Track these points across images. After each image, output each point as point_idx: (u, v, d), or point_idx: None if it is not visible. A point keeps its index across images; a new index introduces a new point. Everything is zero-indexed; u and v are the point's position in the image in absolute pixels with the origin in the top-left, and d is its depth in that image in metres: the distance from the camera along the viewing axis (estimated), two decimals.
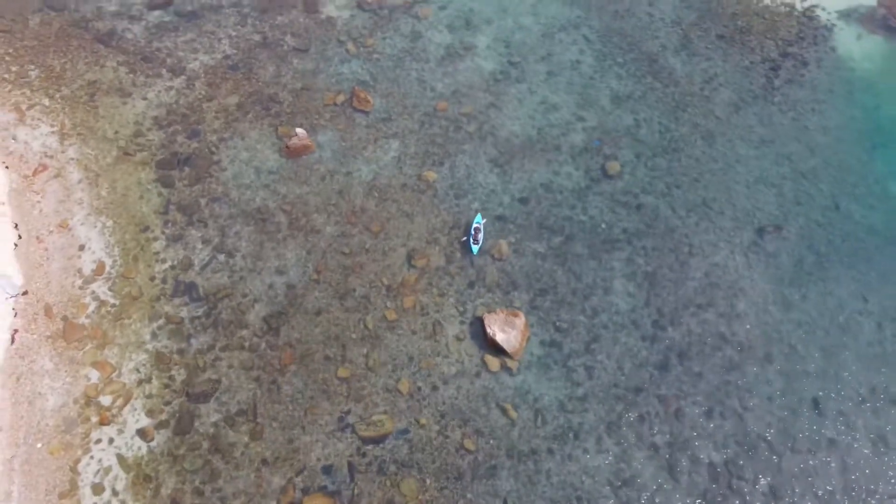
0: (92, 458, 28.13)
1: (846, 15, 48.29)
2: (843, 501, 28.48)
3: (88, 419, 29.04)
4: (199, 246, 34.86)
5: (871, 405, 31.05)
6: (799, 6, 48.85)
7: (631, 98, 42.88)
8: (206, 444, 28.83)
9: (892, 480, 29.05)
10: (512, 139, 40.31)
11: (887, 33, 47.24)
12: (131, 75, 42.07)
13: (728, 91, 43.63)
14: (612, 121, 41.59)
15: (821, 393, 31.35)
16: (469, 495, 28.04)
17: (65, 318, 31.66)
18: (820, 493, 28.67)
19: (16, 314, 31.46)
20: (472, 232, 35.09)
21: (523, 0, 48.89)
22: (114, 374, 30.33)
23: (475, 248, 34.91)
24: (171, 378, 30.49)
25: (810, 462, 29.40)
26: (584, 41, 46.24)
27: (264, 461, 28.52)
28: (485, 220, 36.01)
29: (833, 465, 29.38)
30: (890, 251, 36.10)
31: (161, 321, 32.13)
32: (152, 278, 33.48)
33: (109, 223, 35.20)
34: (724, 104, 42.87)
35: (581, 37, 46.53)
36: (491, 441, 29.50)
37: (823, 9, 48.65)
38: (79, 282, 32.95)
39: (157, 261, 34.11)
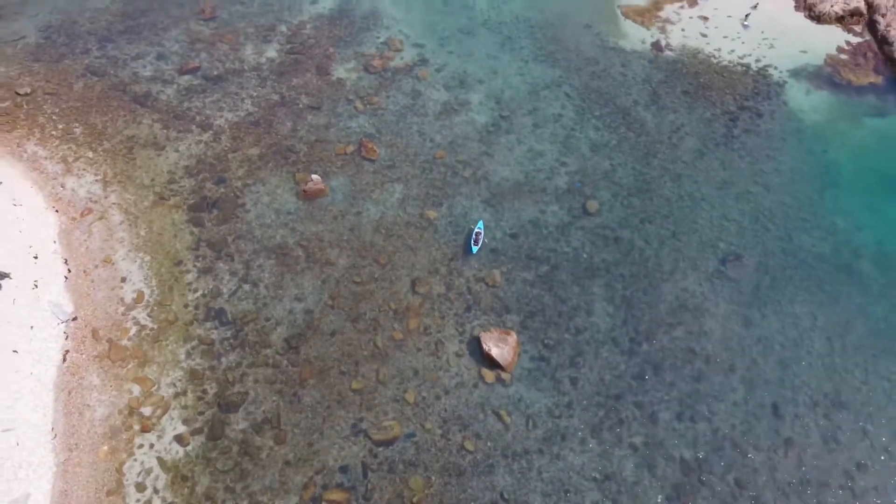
0: (135, 460, 31.72)
1: (796, 73, 54.49)
2: (799, 492, 32.09)
3: (132, 427, 32.77)
4: (227, 277, 39.28)
5: (823, 409, 34.96)
6: (754, 66, 55.13)
7: (607, 146, 48.34)
8: (235, 448, 32.47)
9: (842, 473, 32.73)
10: (503, 183, 45.43)
11: (832, 89, 53.27)
12: (165, 131, 47.49)
13: (693, 139, 49.17)
14: (591, 166, 46.86)
15: (779, 399, 35.28)
16: (469, 490, 31.60)
17: (110, 341, 35.75)
18: (779, 485, 32.31)
19: (67, 337, 35.55)
20: (474, 235, 40.43)
21: (511, 62, 55.15)
22: (153, 388, 34.21)
23: (475, 248, 40.40)
24: (204, 391, 34.38)
25: (770, 458, 33.14)
26: (566, 97, 52.12)
27: (287, 462, 32.15)
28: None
29: (790, 460, 33.11)
30: (837, 276, 40.61)
31: (194, 342, 36.23)
32: (186, 305, 37.74)
33: (147, 258, 39.69)
34: (689, 151, 48.29)
35: (563, 94, 52.43)
36: (488, 443, 33.24)
37: (776, 68, 54.89)
38: (121, 309, 37.19)
39: (189, 290, 38.45)
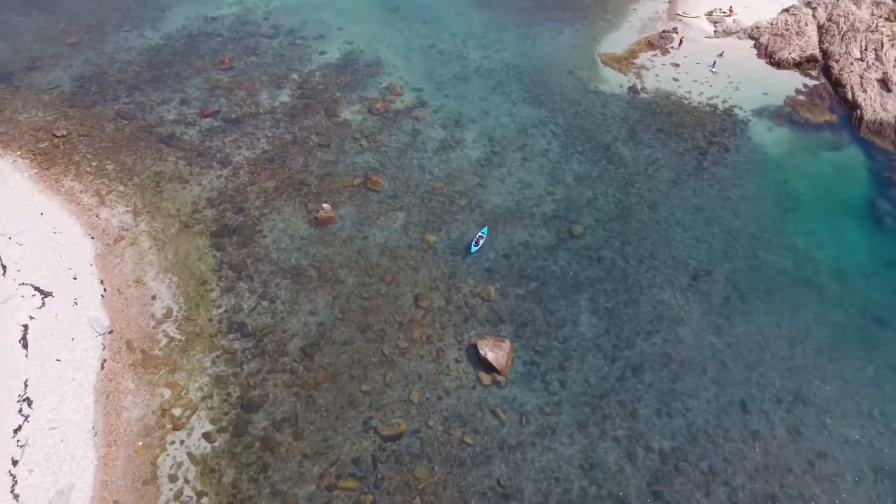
0: (168, 455, 35.15)
1: (759, 112, 60.15)
2: (766, 478, 35.61)
3: (164, 426, 36.29)
4: (247, 295, 43.36)
5: (786, 405, 38.75)
6: (721, 106, 60.85)
7: (590, 177, 53.35)
8: (258, 444, 35.95)
9: (804, 461, 36.33)
10: (495, 210, 50.14)
11: (792, 126, 58.85)
12: (189, 167, 52.33)
13: (667, 171, 54.27)
14: (575, 194, 51.71)
15: (746, 396, 39.08)
16: (469, 478, 35.04)
17: (143, 351, 39.55)
18: (747, 471, 35.83)
19: (104, 348, 39.34)
20: (476, 238, 45.66)
21: (502, 104, 60.76)
22: (183, 392, 37.86)
23: (474, 248, 45.68)
24: (228, 394, 38.02)
25: (739, 448, 36.72)
26: (552, 135, 57.47)
27: (305, 455, 35.60)
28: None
29: (757, 450, 36.73)
30: (797, 289, 44.94)
31: (219, 352, 40.03)
32: (210, 320, 41.68)
33: (175, 279, 43.81)
34: (664, 181, 53.32)
35: (549, 131, 57.81)
36: (486, 437, 36.81)
37: (741, 108, 60.61)
38: (152, 323, 41.11)
39: (213, 306, 42.45)
